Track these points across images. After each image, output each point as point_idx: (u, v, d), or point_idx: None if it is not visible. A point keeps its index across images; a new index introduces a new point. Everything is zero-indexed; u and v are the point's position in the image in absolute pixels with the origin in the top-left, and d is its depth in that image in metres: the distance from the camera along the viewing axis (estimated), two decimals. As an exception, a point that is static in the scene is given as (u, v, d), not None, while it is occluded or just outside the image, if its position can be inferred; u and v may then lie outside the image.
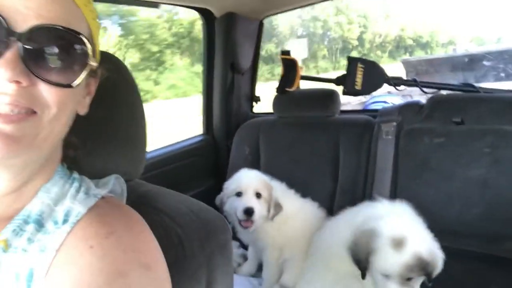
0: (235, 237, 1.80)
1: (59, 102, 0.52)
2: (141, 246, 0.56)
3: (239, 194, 1.63)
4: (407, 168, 1.72)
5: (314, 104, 2.05)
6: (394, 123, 1.78)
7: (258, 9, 2.16)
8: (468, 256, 1.55)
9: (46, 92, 0.51)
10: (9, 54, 0.47)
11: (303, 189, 1.88)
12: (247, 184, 1.64)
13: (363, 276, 1.26)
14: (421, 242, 1.21)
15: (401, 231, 1.21)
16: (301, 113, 2.08)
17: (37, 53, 0.49)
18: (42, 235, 0.54)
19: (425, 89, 1.83)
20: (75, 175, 0.65)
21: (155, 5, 1.93)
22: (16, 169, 0.55)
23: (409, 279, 1.20)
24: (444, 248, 1.62)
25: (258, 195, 1.63)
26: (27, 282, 0.50)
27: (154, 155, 1.95)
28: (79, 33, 0.52)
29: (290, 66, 2.11)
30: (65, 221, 0.55)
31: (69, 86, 0.52)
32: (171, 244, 0.71)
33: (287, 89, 2.10)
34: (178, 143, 2.21)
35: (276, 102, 2.14)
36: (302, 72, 2.13)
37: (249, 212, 1.56)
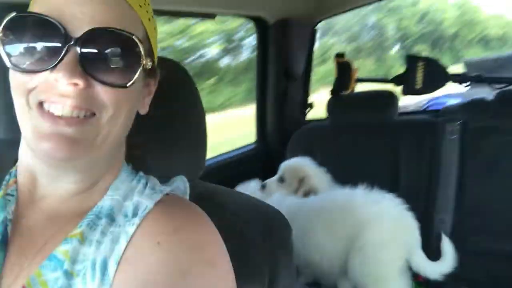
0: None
1: (115, 103, 0.54)
2: (206, 242, 0.57)
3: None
4: (474, 169, 1.60)
5: (370, 107, 1.98)
6: (459, 122, 1.67)
7: (311, 14, 2.15)
8: None
9: (103, 93, 0.53)
10: (67, 59, 0.50)
11: None
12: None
13: None
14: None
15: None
16: (357, 117, 2.01)
17: (93, 55, 0.51)
18: (114, 227, 0.56)
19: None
20: (141, 173, 0.67)
21: (211, 16, 1.97)
22: (82, 169, 0.58)
23: None
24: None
25: (281, 180, 1.79)
26: (101, 270, 0.52)
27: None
28: (132, 34, 0.54)
29: (344, 69, 2.07)
30: (134, 214, 0.57)
31: (123, 86, 0.54)
32: (234, 238, 0.70)
33: (342, 92, 2.06)
34: (229, 152, 2.21)
35: (330, 107, 2.09)
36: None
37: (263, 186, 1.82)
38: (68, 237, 0.54)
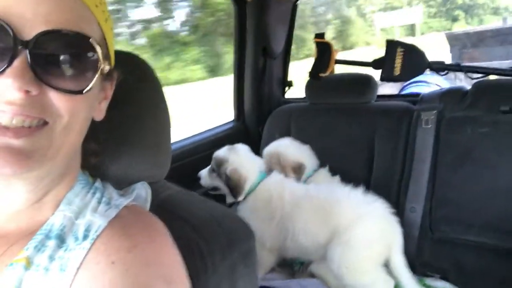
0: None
1: (71, 110, 0.50)
2: (164, 260, 0.55)
3: None
4: (447, 159, 1.61)
5: (349, 90, 1.96)
6: (435, 111, 1.67)
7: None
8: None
9: (57, 100, 0.49)
10: (17, 63, 0.45)
11: None
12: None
13: None
14: None
15: None
16: (335, 99, 1.99)
17: (46, 60, 0.47)
18: (63, 252, 0.53)
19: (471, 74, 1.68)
20: (97, 183, 0.64)
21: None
22: (33, 181, 0.54)
23: None
24: (486, 245, 1.53)
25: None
26: None
27: (183, 144, 1.93)
28: (88, 37, 0.50)
29: (324, 50, 2.02)
30: (85, 236, 0.54)
31: (79, 92, 0.50)
32: (192, 256, 0.69)
33: (321, 74, 2.01)
34: (208, 130, 2.18)
35: (309, 88, 2.06)
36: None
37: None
38: (14, 261, 0.51)
